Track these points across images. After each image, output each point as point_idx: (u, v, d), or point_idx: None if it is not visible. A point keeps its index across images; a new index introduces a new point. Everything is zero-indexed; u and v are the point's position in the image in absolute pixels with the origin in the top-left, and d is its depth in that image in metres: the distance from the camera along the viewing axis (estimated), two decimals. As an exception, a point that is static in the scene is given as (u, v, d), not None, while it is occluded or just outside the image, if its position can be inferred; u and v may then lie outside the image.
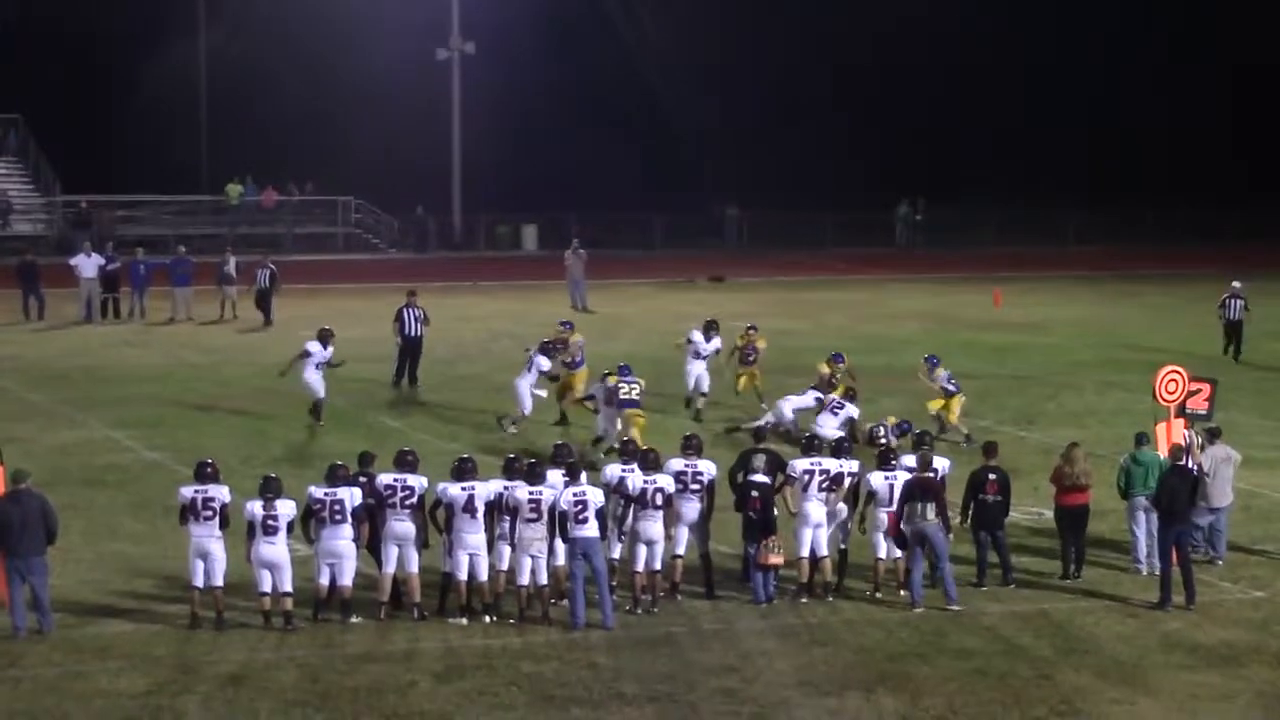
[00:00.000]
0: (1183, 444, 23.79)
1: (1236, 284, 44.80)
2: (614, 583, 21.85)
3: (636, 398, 31.20)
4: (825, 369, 33.14)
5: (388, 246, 75.88)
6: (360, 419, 34.77)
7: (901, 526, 22.39)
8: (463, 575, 21.32)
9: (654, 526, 21.92)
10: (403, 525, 21.44)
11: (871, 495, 22.80)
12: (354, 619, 21.16)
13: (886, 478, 22.76)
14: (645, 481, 22.02)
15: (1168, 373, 25.12)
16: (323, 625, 21.09)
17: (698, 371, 34.90)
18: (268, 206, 75.11)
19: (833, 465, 22.81)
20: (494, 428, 33.25)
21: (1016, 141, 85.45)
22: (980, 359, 43.69)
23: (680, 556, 22.47)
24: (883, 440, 28.06)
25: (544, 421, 33.38)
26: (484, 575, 21.36)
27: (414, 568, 21.48)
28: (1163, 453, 23.69)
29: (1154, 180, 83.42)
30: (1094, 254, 75.64)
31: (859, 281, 65.89)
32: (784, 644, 20.71)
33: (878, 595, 22.61)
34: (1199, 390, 25.48)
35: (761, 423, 29.97)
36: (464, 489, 21.33)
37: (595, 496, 21.34)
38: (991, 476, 23.20)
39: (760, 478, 22.59)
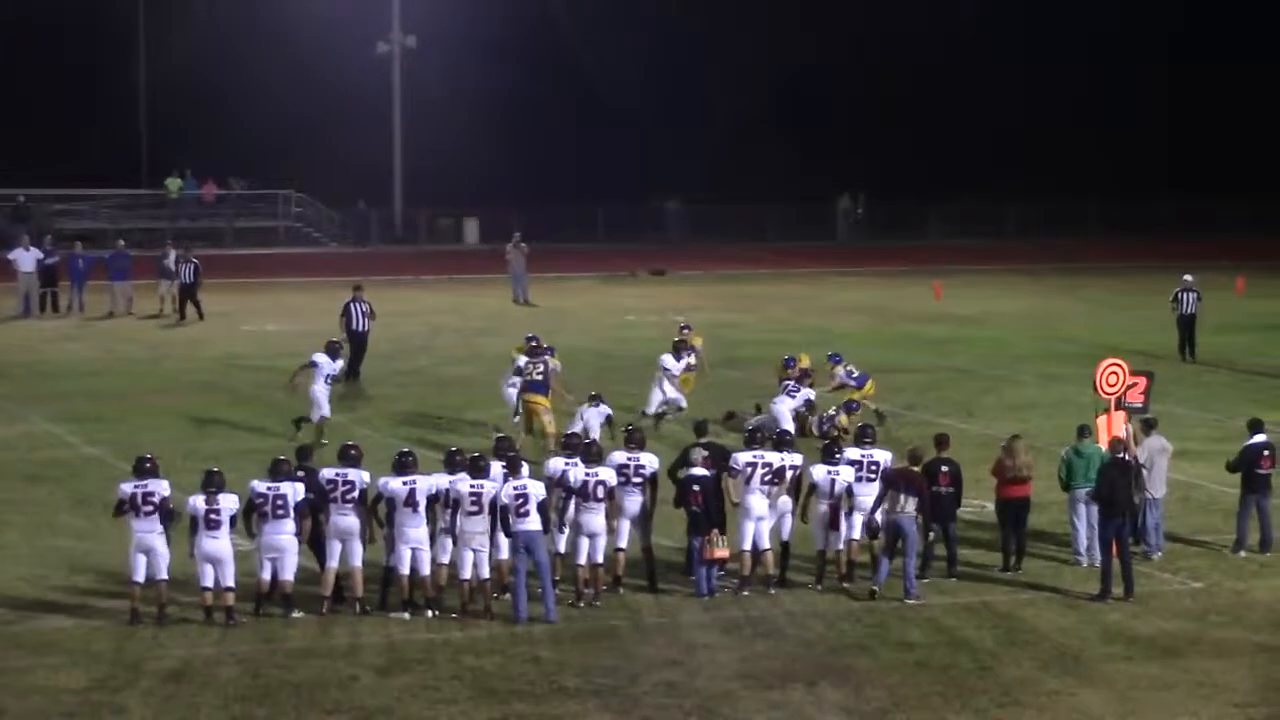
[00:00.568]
0: (1122, 437, 23.91)
1: (1189, 277, 43.34)
2: (556, 576, 21.83)
3: (539, 378, 30.74)
4: (805, 361, 33.17)
5: (329, 240, 75.67)
6: (300, 413, 34.60)
7: (877, 515, 22.53)
8: (404, 569, 21.28)
9: (596, 519, 21.92)
10: (345, 520, 21.38)
11: (813, 488, 22.87)
12: (295, 614, 21.09)
13: (829, 471, 22.82)
14: (587, 474, 22.01)
15: (1108, 365, 25.22)
16: (264, 620, 21.02)
17: (671, 394, 33.27)
18: (208, 200, 74.79)
19: (775, 458, 22.85)
20: (432, 422, 33.18)
21: (956, 135, 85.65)
22: (921, 352, 43.87)
23: (622, 550, 22.48)
24: (830, 416, 28.32)
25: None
26: (426, 569, 21.33)
27: (357, 562, 21.43)
28: (1104, 445, 23.83)
29: (1093, 173, 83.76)
30: (1034, 247, 75.94)
31: (800, 275, 66.02)
32: (727, 637, 20.74)
33: (818, 587, 22.66)
34: (1135, 383, 25.61)
35: (757, 421, 30.07)
36: (405, 483, 21.30)
37: (536, 489, 21.32)
38: (944, 468, 23.26)
39: (700, 471, 22.61)
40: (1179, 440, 29.32)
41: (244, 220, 74.76)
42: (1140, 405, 25.62)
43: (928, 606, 21.97)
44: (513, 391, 31.27)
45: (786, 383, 32.31)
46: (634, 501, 22.51)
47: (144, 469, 21.38)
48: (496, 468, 21.62)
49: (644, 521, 22.65)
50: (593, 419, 29.60)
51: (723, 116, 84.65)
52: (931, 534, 23.06)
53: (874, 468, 22.99)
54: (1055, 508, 25.56)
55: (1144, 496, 23.66)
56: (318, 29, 75.91)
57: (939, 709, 18.56)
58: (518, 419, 30.92)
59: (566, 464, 22.24)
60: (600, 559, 21.99)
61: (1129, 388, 25.31)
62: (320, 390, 31.82)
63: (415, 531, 21.26)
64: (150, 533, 21.04)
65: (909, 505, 22.36)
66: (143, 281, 51.38)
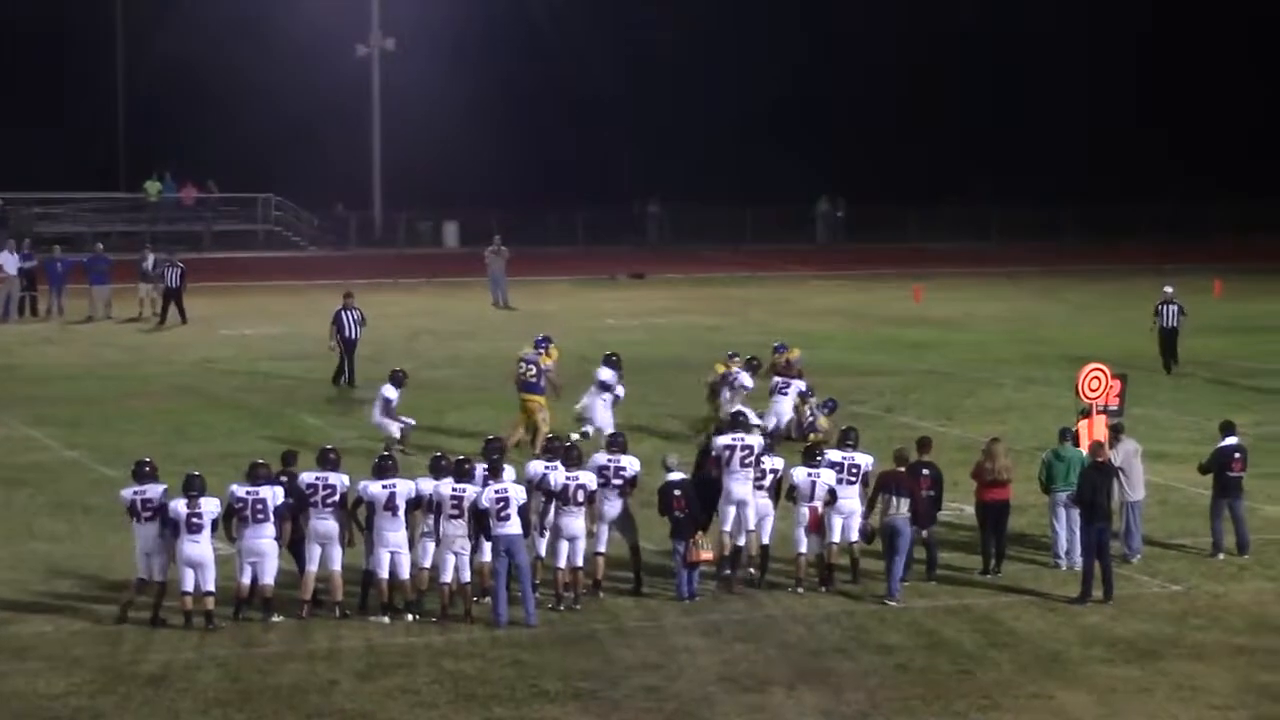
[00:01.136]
0: (1103, 440, 23.98)
1: (1169, 289, 42.17)
2: (536, 580, 21.82)
3: (534, 379, 30.86)
4: (795, 354, 33.37)
5: (308, 243, 75.54)
6: (281, 417, 34.61)
7: (869, 519, 22.57)
8: (383, 573, 21.26)
9: (575, 523, 21.91)
10: (325, 524, 21.37)
11: (793, 490, 22.90)
12: (275, 618, 21.07)
13: (809, 473, 22.86)
14: (567, 478, 22.00)
15: (1091, 370, 25.31)
16: (244, 624, 21.00)
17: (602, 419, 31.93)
18: (187, 203, 74.66)
19: (756, 442, 22.87)
20: (416, 424, 33.16)
21: (937, 138, 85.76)
22: (900, 355, 43.92)
23: (602, 554, 22.48)
24: (810, 418, 28.38)
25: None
26: (405, 573, 21.31)
27: (336, 566, 21.42)
28: (1085, 449, 23.88)
29: (1074, 176, 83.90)
30: (1014, 250, 76.00)
31: (780, 278, 66.06)
32: (707, 640, 20.75)
33: (800, 590, 22.69)
34: (1111, 386, 25.69)
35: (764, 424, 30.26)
36: (385, 487, 21.28)
37: (517, 493, 21.31)
38: (925, 471, 23.31)
39: (679, 476, 22.61)
40: (1157, 443, 29.49)
41: (223, 224, 74.60)
42: (1115, 408, 25.70)
43: (908, 609, 22.00)
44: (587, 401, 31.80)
45: (775, 381, 32.37)
46: (614, 505, 22.52)
47: (143, 474, 21.31)
48: (479, 471, 21.62)
49: (625, 522, 22.66)
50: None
51: (702, 120, 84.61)
52: (924, 534, 23.09)
53: (854, 470, 23.03)
54: (1035, 510, 25.62)
55: (1124, 500, 23.72)
56: (297, 32, 75.76)
57: (919, 712, 18.58)
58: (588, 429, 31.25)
59: (546, 467, 22.25)
60: (580, 562, 21.99)
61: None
62: (383, 419, 31.26)
63: (394, 535, 21.25)
64: (151, 537, 21.01)
65: (902, 507, 22.42)
66: (122, 285, 51.26)
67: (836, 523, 22.88)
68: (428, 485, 21.47)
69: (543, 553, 22.09)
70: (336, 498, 21.41)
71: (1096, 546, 22.37)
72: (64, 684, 18.96)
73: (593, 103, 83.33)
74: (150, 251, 52.38)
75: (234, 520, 21.17)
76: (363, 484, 21.43)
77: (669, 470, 22.73)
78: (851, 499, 22.98)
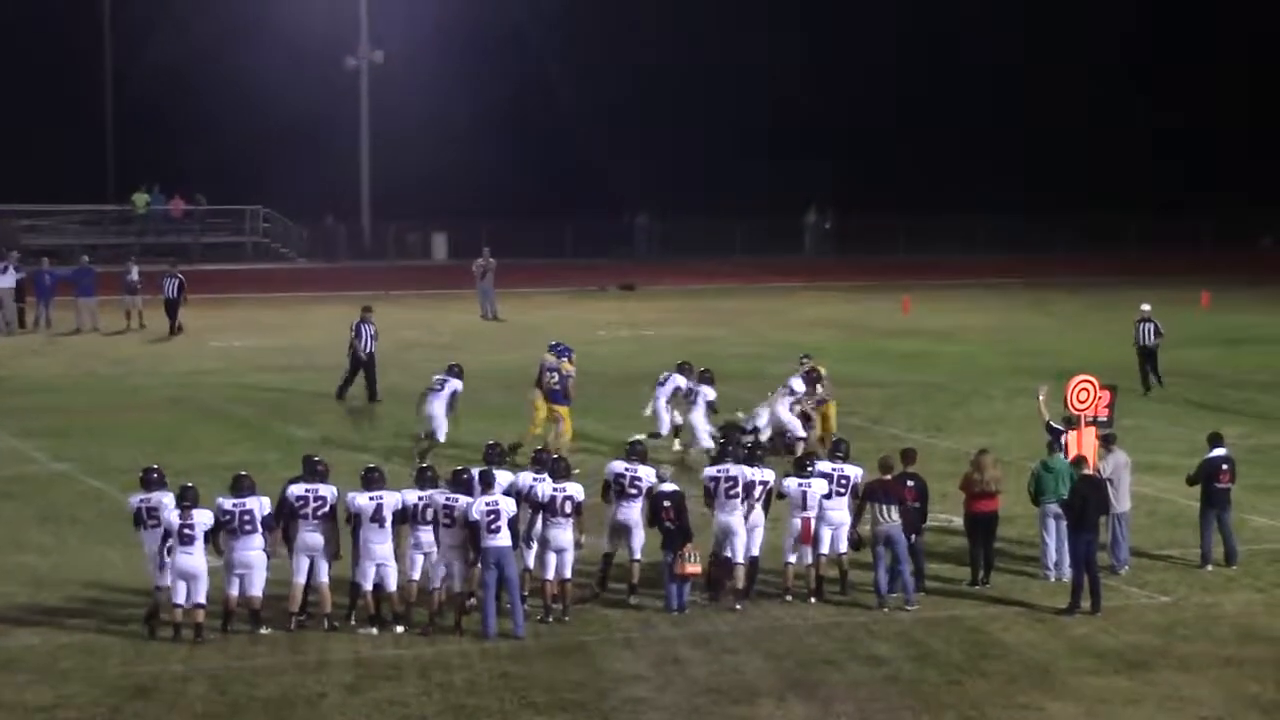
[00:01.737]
0: (1086, 455, 24.02)
1: (1146, 307, 40.93)
2: (525, 592, 21.81)
3: (557, 388, 31.20)
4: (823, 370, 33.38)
5: (296, 255, 75.49)
6: (269, 429, 34.58)
7: (860, 529, 22.58)
8: (368, 585, 21.22)
9: (563, 535, 21.88)
10: (314, 535, 21.34)
11: (783, 499, 22.92)
12: (264, 630, 21.04)
13: (800, 483, 22.87)
14: (555, 489, 21.98)
15: (1079, 382, 25.33)
16: (232, 636, 20.97)
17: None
18: (175, 216, 74.58)
19: (741, 473, 22.86)
20: (403, 437, 33.13)
21: (924, 149, 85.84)
22: (889, 366, 43.93)
23: (639, 560, 22.65)
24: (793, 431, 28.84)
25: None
26: (393, 585, 21.28)
27: (324, 578, 21.40)
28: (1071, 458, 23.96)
29: (1061, 188, 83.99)
30: (1002, 262, 76.07)
31: (769, 289, 66.08)
32: (696, 652, 20.75)
33: (787, 598, 22.71)
34: (1101, 397, 25.72)
35: (755, 426, 30.35)
36: (371, 498, 21.27)
37: (507, 506, 21.29)
38: (910, 483, 23.30)
39: (669, 487, 22.62)
40: (1146, 454, 29.50)
41: (211, 236, 74.54)
42: (1105, 419, 25.72)
43: (896, 621, 22.01)
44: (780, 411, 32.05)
45: (668, 377, 32.49)
46: (627, 512, 22.67)
47: (151, 481, 21.30)
48: (505, 475, 21.68)
49: (635, 531, 22.74)
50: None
51: (691, 131, 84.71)
52: (911, 543, 23.10)
53: (844, 482, 23.04)
54: (1023, 521, 25.63)
55: (1111, 512, 23.75)
56: (286, 44, 75.75)
57: (908, 723, 18.62)
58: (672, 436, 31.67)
59: (535, 479, 22.24)
60: (568, 574, 21.97)
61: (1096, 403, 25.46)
62: (438, 410, 31.36)
63: (381, 548, 21.22)
64: (155, 544, 21.02)
65: (893, 514, 22.44)
66: (108, 297, 51.19)
67: (825, 534, 22.90)
68: (413, 496, 21.46)
69: (531, 564, 22.07)
70: (326, 509, 21.39)
71: (1085, 558, 22.39)
72: (52, 696, 18.94)
73: (581, 115, 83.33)
74: (135, 264, 52.29)
75: (221, 533, 21.14)
76: (350, 495, 21.43)
77: (661, 481, 22.74)
78: (840, 510, 23.01)
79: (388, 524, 21.21)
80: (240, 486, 21.29)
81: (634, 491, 22.77)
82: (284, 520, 21.41)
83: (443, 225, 77.66)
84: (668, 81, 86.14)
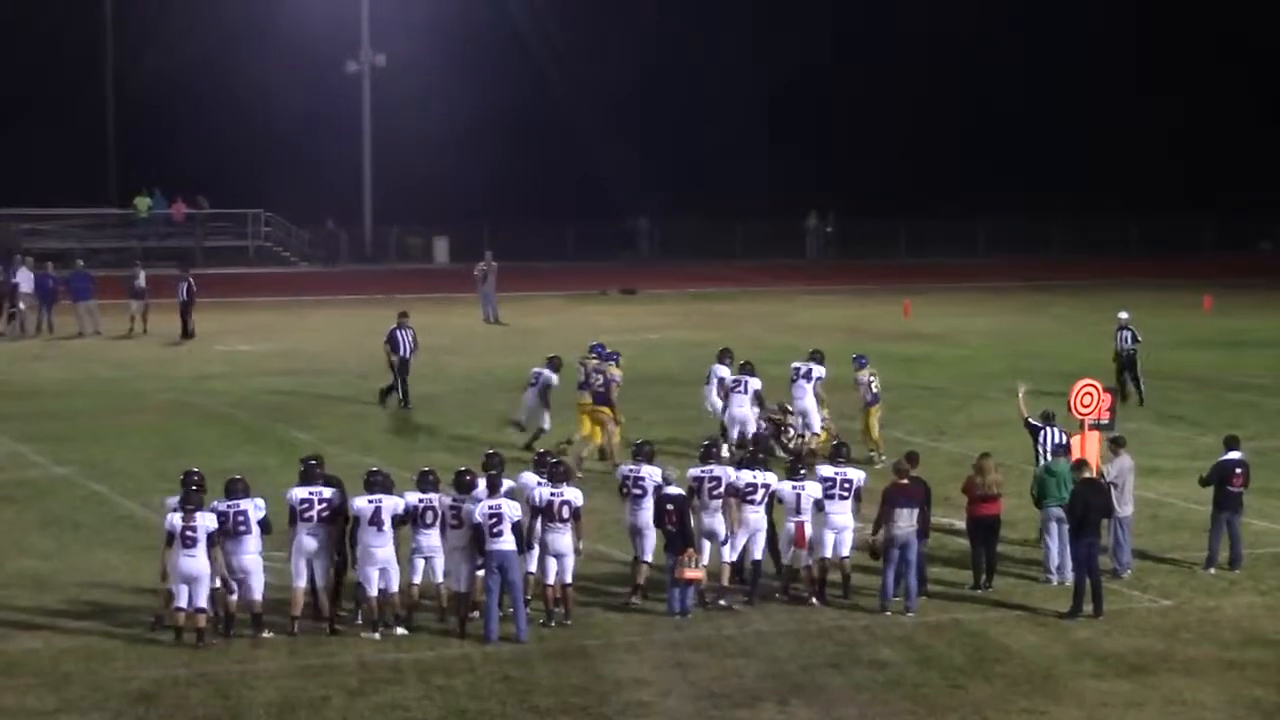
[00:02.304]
0: (1087, 458, 24.02)
1: (1124, 315, 39.73)
2: (527, 595, 21.80)
3: (602, 390, 31.39)
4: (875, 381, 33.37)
5: (298, 259, 75.54)
6: (271, 433, 34.57)
7: (877, 534, 22.58)
8: (373, 590, 21.19)
9: (562, 539, 21.84)
10: (314, 539, 21.33)
11: (779, 503, 22.91)
12: (266, 634, 21.03)
13: (794, 486, 22.86)
14: (552, 494, 21.96)
15: (1083, 386, 25.33)
16: (234, 640, 20.95)
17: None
18: (177, 220, 74.60)
19: (728, 474, 22.84)
20: (402, 440, 33.11)
21: (924, 152, 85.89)
22: (891, 370, 43.79)
23: (648, 562, 22.69)
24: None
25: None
26: (394, 588, 21.27)
27: (324, 581, 21.39)
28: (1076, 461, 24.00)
29: (1062, 191, 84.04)
30: (1003, 265, 76.15)
31: (770, 293, 66.09)
32: (698, 656, 20.73)
33: (784, 598, 22.80)
34: (1102, 401, 25.74)
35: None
36: (370, 501, 21.23)
37: (511, 510, 21.26)
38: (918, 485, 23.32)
39: (674, 490, 22.60)
40: (1149, 458, 29.49)
41: (214, 240, 74.56)
42: (1107, 422, 25.73)
43: (899, 625, 22.00)
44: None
45: (797, 366, 32.61)
46: (636, 513, 22.74)
47: (189, 501, 21.02)
48: (482, 485, 21.62)
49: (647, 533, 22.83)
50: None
51: (693, 135, 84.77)
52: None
53: (847, 486, 23.00)
54: (1025, 525, 25.64)
55: (1113, 516, 23.74)
56: (288, 48, 75.81)
57: (910, 727, 18.62)
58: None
59: (538, 482, 22.23)
60: (569, 579, 21.94)
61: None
62: (540, 404, 32.06)
63: (381, 551, 21.17)
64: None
65: (912, 519, 22.41)
66: (107, 301, 51.15)
67: (829, 538, 22.87)
68: (414, 499, 21.46)
69: (533, 568, 22.06)
70: (329, 513, 21.38)
71: (1087, 561, 22.38)
72: (54, 701, 18.93)
73: (584, 118, 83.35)
74: (141, 268, 52.32)
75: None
76: (350, 499, 21.41)
77: (666, 483, 22.74)
78: (844, 514, 22.96)
79: (387, 527, 21.18)
80: (233, 490, 21.26)
81: (639, 493, 22.77)
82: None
83: (444, 229, 77.77)
84: (668, 85, 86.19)
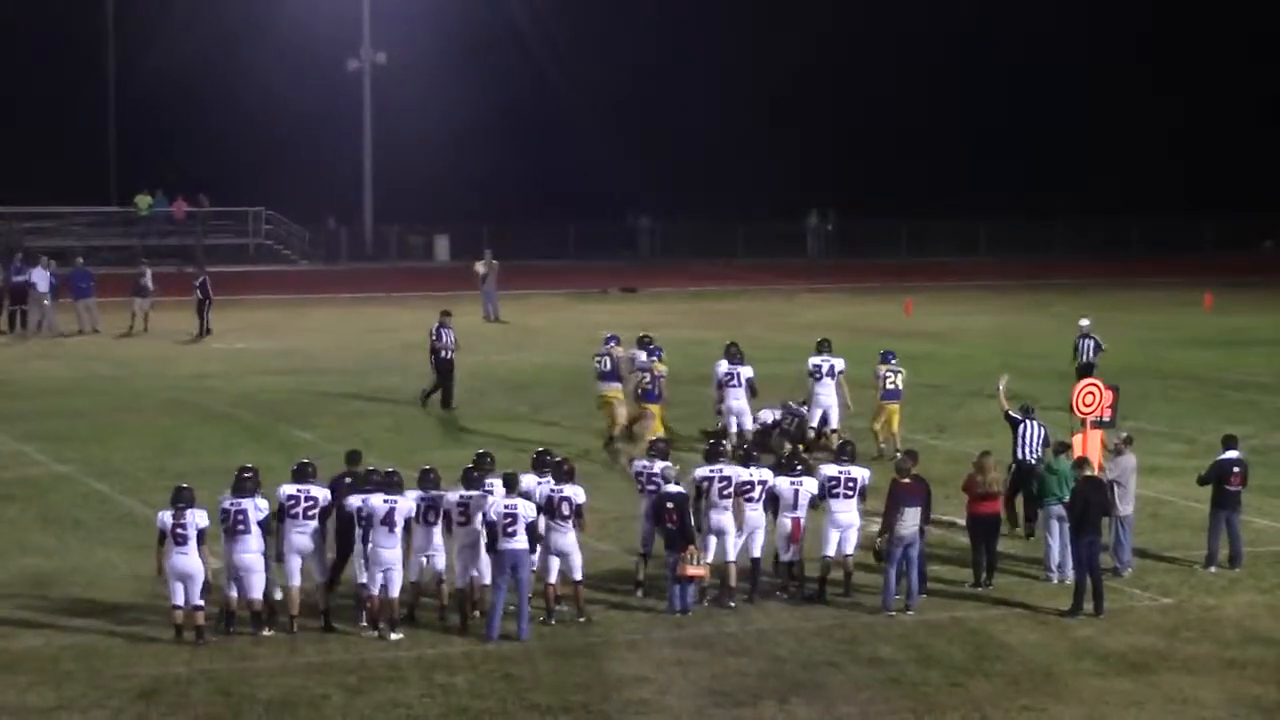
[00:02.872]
0: (1089, 457, 24.04)
1: (1085, 322, 39.02)
2: (528, 594, 21.81)
3: (650, 387, 31.85)
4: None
5: (299, 257, 75.57)
6: (271, 431, 34.58)
7: (884, 535, 22.56)
8: (375, 591, 21.16)
9: (564, 538, 21.85)
10: (304, 537, 21.28)
11: (776, 500, 22.90)
12: (265, 632, 21.02)
13: (792, 482, 22.86)
14: (553, 491, 21.96)
15: (1085, 385, 25.32)
16: (234, 638, 20.95)
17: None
18: (178, 218, 74.62)
19: (736, 473, 22.84)
20: (406, 437, 33.10)
21: (926, 151, 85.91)
22: (892, 368, 43.84)
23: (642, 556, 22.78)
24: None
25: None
26: (396, 591, 21.19)
27: (320, 578, 21.38)
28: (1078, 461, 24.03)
29: (1063, 190, 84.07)
30: (1003, 264, 76.14)
31: (771, 291, 66.08)
32: (698, 654, 20.73)
33: (784, 595, 22.82)
34: (1103, 399, 25.75)
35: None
36: (386, 501, 21.14)
37: (525, 509, 21.26)
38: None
39: (675, 489, 22.60)
40: (1149, 456, 29.47)
41: (214, 238, 74.58)
42: (1108, 420, 25.74)
43: (899, 623, 22.00)
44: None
45: (818, 364, 32.71)
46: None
47: (180, 498, 21.09)
48: (496, 483, 21.65)
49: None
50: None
51: (694, 133, 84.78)
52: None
53: (851, 484, 22.99)
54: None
55: (1114, 514, 23.75)
56: (288, 46, 75.81)
57: (910, 725, 18.62)
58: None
59: (539, 481, 22.23)
60: (579, 576, 21.93)
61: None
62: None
63: (389, 553, 21.08)
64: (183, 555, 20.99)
65: (915, 517, 22.40)
66: (107, 300, 51.12)
67: (833, 536, 22.87)
68: (415, 496, 21.43)
69: (535, 566, 22.07)
70: (317, 510, 21.35)
71: (1087, 559, 22.38)
72: (54, 698, 18.93)
73: (585, 117, 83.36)
74: (147, 266, 52.35)
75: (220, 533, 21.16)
76: (363, 497, 21.32)
77: (666, 481, 22.74)
78: (849, 512, 22.95)
79: (398, 529, 21.13)
80: (240, 487, 21.24)
81: (652, 489, 22.90)
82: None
83: (445, 227, 77.79)
84: (669, 84, 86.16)
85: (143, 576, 21.54)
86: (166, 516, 20.85)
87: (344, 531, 21.72)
